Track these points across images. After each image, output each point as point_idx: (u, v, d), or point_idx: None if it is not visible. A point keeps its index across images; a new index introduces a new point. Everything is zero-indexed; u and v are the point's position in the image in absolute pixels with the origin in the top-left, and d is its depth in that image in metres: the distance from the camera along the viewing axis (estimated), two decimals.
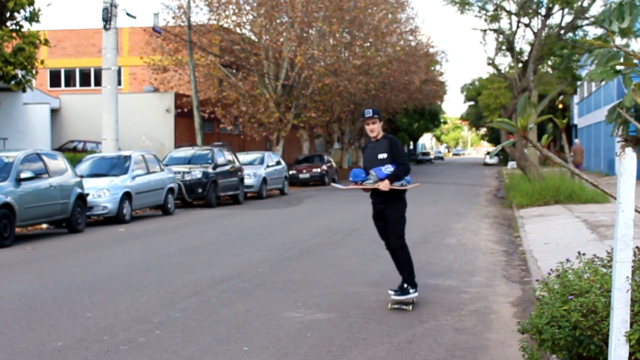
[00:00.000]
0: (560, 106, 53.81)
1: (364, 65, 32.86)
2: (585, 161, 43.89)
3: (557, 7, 23.14)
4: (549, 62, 30.42)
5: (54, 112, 30.28)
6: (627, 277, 3.77)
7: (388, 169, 7.06)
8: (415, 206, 19.66)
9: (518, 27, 24.58)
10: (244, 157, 25.80)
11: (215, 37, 32.27)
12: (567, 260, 4.75)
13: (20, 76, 19.54)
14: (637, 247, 4.48)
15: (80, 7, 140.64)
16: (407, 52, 39.79)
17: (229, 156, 22.82)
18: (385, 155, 7.13)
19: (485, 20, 24.70)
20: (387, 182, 7.00)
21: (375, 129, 7.17)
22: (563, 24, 23.78)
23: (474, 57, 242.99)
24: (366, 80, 33.82)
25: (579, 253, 4.83)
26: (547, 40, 23.40)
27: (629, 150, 3.67)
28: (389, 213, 7.14)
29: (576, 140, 31.22)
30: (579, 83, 36.30)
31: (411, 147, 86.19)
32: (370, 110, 7.19)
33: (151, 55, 32.92)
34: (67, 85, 41.36)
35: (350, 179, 7.33)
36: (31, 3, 19.86)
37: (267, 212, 18.71)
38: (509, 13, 24.26)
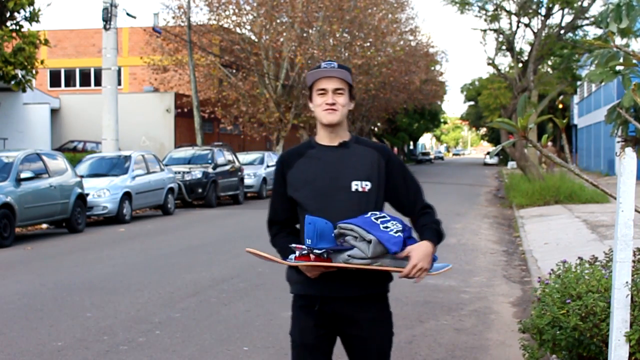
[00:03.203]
0: (560, 106, 53.78)
1: (364, 65, 32.82)
2: (585, 161, 44.00)
3: (557, 7, 23.14)
4: (549, 62, 30.43)
5: (54, 112, 30.26)
6: (627, 277, 3.76)
7: (393, 226, 2.92)
8: None
9: (518, 27, 24.60)
10: (244, 157, 25.76)
11: (215, 37, 32.25)
12: (564, 262, 4.73)
13: (20, 76, 19.53)
14: (637, 248, 4.48)
15: (80, 7, 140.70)
16: (407, 52, 39.77)
17: (229, 156, 22.82)
18: (368, 186, 3.05)
19: (485, 20, 24.71)
20: (430, 247, 2.93)
21: (339, 108, 3.06)
22: (563, 24, 23.79)
23: (474, 57, 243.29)
24: (366, 80, 33.79)
25: (580, 259, 4.79)
26: (547, 40, 23.41)
27: (629, 150, 3.66)
28: (368, 333, 3.11)
29: (549, 143, 31.50)
30: (579, 83, 36.30)
31: (411, 147, 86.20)
32: (334, 64, 3.05)
33: (151, 55, 32.91)
34: (67, 85, 41.36)
35: (308, 242, 2.95)
36: (31, 3, 19.84)
37: (267, 212, 18.68)
38: (509, 13, 24.26)
